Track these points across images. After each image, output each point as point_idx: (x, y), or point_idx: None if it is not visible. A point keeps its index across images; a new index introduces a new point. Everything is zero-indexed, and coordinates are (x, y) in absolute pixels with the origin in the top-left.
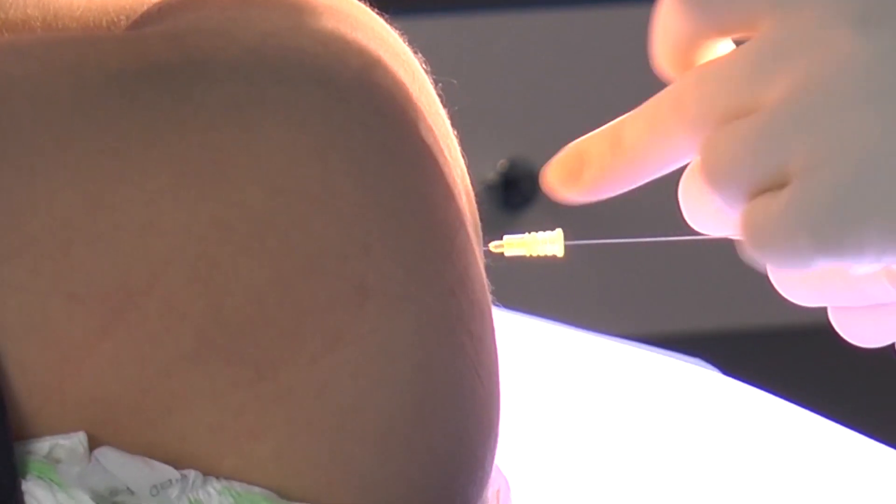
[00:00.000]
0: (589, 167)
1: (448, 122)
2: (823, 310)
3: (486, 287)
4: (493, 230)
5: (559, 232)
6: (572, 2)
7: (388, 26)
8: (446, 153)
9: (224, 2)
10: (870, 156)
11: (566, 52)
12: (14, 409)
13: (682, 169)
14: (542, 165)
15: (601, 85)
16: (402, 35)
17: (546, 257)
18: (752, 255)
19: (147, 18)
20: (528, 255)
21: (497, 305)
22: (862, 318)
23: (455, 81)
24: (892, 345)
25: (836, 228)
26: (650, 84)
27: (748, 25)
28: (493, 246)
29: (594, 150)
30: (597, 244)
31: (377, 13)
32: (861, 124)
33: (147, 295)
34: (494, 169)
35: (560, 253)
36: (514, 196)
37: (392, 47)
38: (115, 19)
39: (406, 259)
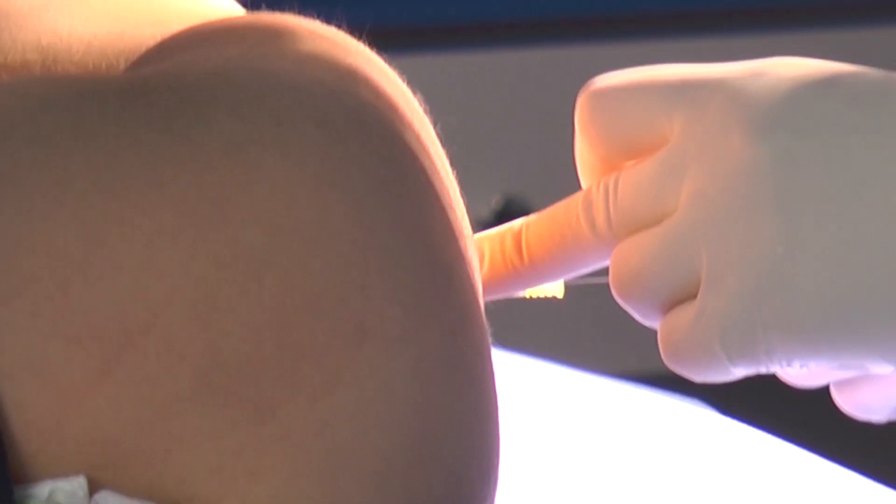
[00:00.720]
0: (490, 266)
1: (447, 163)
2: None
3: (486, 327)
4: None
5: None
6: (565, 40)
7: (385, 65)
8: (445, 194)
9: (222, 42)
10: (768, 262)
11: (559, 89)
12: (13, 452)
13: None
14: (536, 203)
15: None
16: (400, 74)
17: (545, 297)
18: (673, 369)
19: (146, 59)
20: (527, 295)
21: (496, 346)
22: (862, 390)
23: (454, 120)
24: None
25: (743, 337)
26: None
27: (656, 144)
28: None
29: (495, 249)
30: (596, 284)
31: (375, 52)
32: (758, 231)
33: (146, 335)
34: (489, 206)
35: (559, 294)
36: None
37: (390, 86)
38: (114, 63)
39: (405, 299)
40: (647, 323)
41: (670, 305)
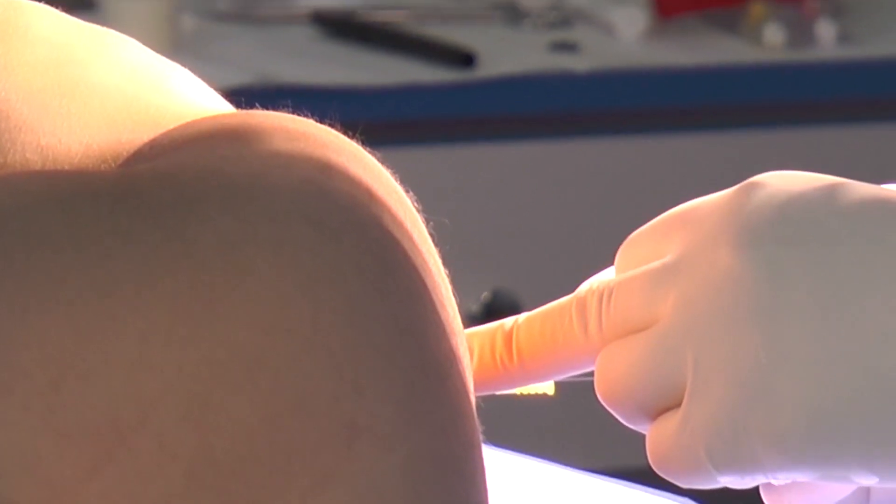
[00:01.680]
0: (479, 365)
1: (439, 260)
2: None
3: (477, 426)
4: None
5: None
6: (554, 135)
7: (378, 163)
8: (437, 292)
9: (214, 141)
10: (753, 372)
11: (547, 184)
12: None
13: None
14: (525, 297)
15: (583, 217)
16: (391, 169)
17: (536, 395)
18: (661, 474)
19: (139, 157)
20: (518, 392)
21: (487, 443)
22: (788, 493)
23: (447, 221)
24: None
25: (729, 447)
26: (630, 217)
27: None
28: None
29: (485, 347)
30: (587, 381)
31: (368, 148)
32: (743, 340)
33: (138, 433)
34: (478, 301)
35: (550, 391)
36: None
37: (383, 185)
38: (112, 166)
39: (397, 398)
40: (634, 427)
41: (657, 412)
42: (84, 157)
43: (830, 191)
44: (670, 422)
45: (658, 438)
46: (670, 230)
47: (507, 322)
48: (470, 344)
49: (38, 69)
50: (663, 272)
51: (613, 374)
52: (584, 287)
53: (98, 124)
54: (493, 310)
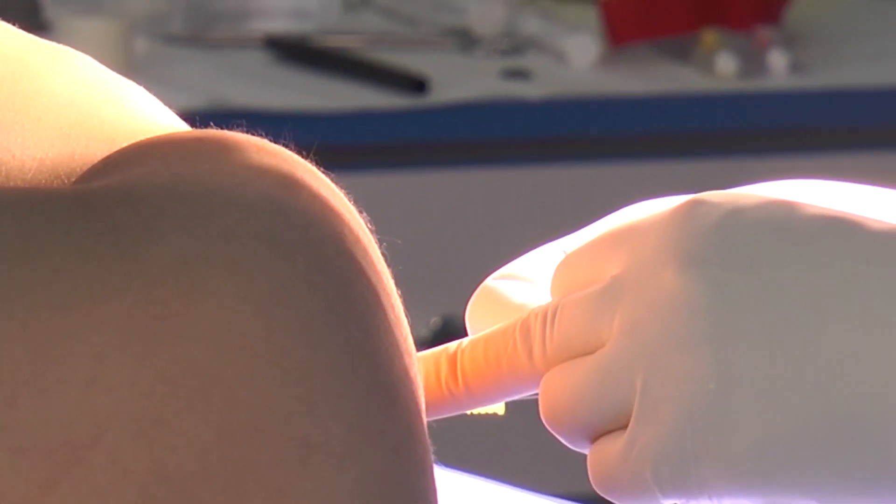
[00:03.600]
0: (425, 389)
1: (392, 282)
2: None
3: (429, 446)
4: None
5: None
6: (504, 161)
7: (332, 184)
8: (391, 312)
9: (170, 157)
10: (701, 397)
11: (498, 210)
12: None
13: None
14: None
15: (535, 244)
16: (345, 192)
17: (487, 415)
18: (603, 496)
19: (93, 174)
20: (469, 413)
21: (438, 463)
22: None
23: (399, 241)
24: None
25: (675, 470)
26: None
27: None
28: None
29: (430, 372)
30: (538, 401)
31: (322, 170)
32: (691, 365)
33: (92, 450)
34: (427, 326)
35: (501, 411)
36: None
37: (337, 205)
38: (66, 182)
39: (350, 417)
40: (575, 448)
41: (599, 434)
42: (38, 171)
43: (776, 210)
44: (614, 444)
45: (601, 460)
46: (609, 250)
47: (452, 346)
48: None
49: None
50: (607, 294)
51: (558, 398)
52: (529, 310)
53: (52, 139)
54: (443, 336)
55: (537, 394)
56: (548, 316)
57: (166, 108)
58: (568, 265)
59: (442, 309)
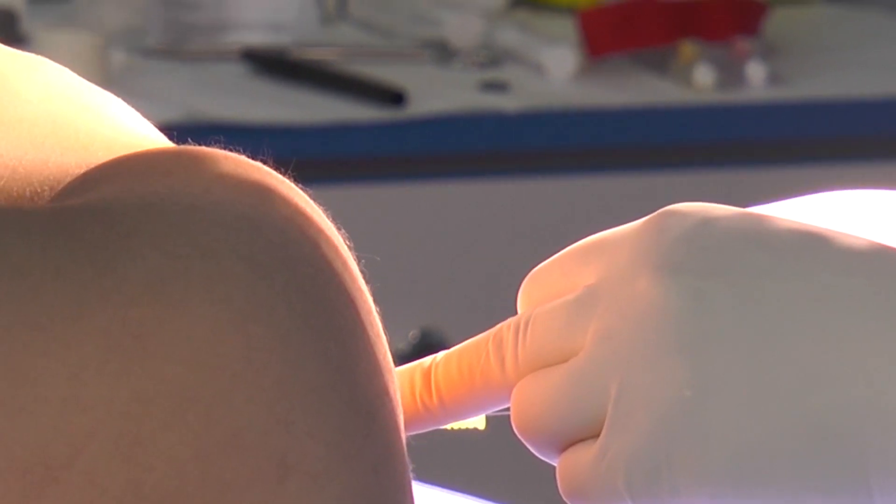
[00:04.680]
0: (401, 405)
1: (370, 298)
2: None
3: (408, 464)
4: None
5: None
6: (482, 174)
7: (310, 200)
8: (370, 329)
9: (148, 175)
10: (675, 405)
11: (476, 222)
12: None
13: None
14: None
15: (513, 256)
16: (323, 209)
17: (467, 430)
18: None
19: (70, 191)
20: (449, 428)
21: (417, 480)
22: None
23: (378, 254)
24: None
25: (648, 478)
26: None
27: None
28: None
29: (405, 387)
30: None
31: (300, 185)
32: (665, 373)
33: (68, 469)
34: (405, 340)
35: (481, 425)
36: None
37: (315, 221)
38: (39, 190)
39: (328, 436)
40: (544, 458)
41: (571, 442)
42: (10, 179)
43: (747, 221)
44: (586, 452)
45: (571, 468)
46: (582, 261)
47: (426, 361)
48: None
49: None
50: (581, 303)
51: (530, 405)
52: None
53: (25, 147)
54: (422, 349)
55: None
56: (520, 326)
57: (143, 119)
58: (538, 277)
59: (420, 322)
